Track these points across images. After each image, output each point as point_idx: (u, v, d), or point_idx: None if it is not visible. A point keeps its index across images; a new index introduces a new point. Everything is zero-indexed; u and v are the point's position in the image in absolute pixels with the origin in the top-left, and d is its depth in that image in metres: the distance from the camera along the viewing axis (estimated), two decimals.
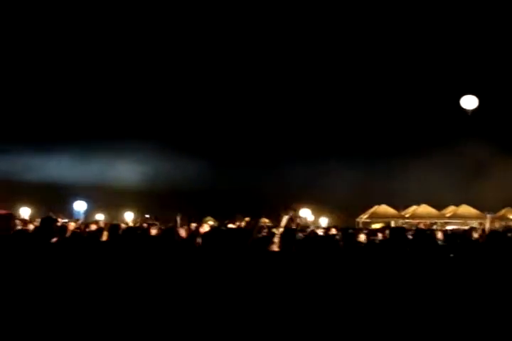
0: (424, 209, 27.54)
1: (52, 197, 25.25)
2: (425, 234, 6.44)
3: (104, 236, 7.65)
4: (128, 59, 27.63)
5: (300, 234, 8.77)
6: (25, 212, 21.02)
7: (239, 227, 12.76)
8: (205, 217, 24.37)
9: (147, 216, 27.87)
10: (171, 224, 12.59)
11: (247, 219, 22.70)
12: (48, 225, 5.83)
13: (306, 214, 24.60)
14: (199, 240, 6.53)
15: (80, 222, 13.37)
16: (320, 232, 10.89)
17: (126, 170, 26.42)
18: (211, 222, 19.58)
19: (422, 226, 19.46)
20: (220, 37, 27.45)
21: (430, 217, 26.36)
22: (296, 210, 19.18)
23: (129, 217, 26.08)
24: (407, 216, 27.70)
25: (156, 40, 27.35)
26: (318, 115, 28.77)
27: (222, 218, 20.89)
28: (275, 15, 27.06)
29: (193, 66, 27.90)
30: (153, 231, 9.08)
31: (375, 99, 28.76)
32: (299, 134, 29.24)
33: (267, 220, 24.02)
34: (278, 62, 28.12)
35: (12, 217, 8.73)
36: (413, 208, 28.52)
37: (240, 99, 28.82)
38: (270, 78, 28.31)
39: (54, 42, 26.43)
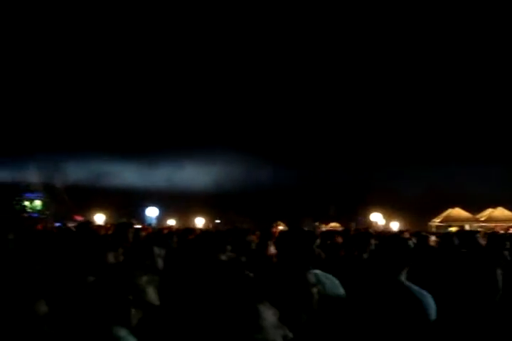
0: (501, 212, 26.38)
1: (125, 204, 25.97)
2: (501, 238, 6.11)
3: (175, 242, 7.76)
4: (197, 66, 28.03)
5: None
6: (99, 218, 21.71)
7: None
8: (276, 221, 24.35)
9: (218, 221, 28.22)
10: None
11: (317, 224, 22.57)
12: (123, 230, 5.85)
13: (376, 218, 24.21)
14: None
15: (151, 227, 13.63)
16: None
17: (198, 175, 26.79)
18: (281, 227, 19.51)
19: (498, 230, 18.69)
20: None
21: (507, 220, 25.22)
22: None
23: (199, 222, 26.47)
24: (482, 219, 26.64)
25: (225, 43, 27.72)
26: (394, 120, 28.18)
27: (292, 222, 20.73)
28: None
29: (256, 71, 28.00)
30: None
31: (453, 103, 27.95)
32: (374, 138, 28.75)
33: (337, 225, 23.85)
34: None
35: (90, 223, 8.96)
36: (489, 211, 27.40)
37: (318, 101, 28.63)
38: (361, 82, 28.00)
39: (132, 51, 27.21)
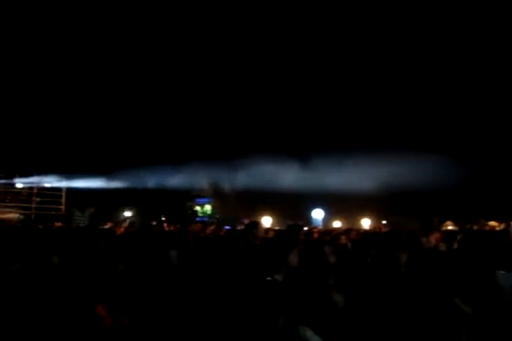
0: None
1: (292, 206, 26.08)
2: None
3: (343, 240, 7.42)
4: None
5: None
6: (266, 220, 21.97)
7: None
8: (445, 221, 22.98)
9: (384, 222, 27.28)
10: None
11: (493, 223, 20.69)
12: (294, 232, 5.86)
13: None
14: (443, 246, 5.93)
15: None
16: None
17: (363, 176, 26.10)
18: (450, 227, 18.28)
19: None
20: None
21: None
22: None
23: (365, 223, 25.80)
24: None
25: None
26: None
27: (463, 222, 19.32)
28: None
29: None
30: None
31: None
32: None
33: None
34: None
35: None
36: None
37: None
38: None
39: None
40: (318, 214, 23.87)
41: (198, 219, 32.63)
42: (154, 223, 11.87)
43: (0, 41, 23.18)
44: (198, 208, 36.97)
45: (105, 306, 3.54)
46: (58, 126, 26.96)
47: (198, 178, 31.05)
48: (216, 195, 34.60)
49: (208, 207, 36.77)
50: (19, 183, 30.85)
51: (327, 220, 24.58)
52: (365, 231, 11.29)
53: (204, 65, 27.14)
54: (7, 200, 30.59)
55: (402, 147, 24.37)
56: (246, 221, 16.04)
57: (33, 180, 30.75)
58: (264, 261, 4.50)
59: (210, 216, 35.69)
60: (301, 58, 27.30)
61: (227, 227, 16.21)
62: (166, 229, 11.86)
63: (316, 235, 8.64)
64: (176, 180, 29.10)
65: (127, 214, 31.03)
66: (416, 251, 5.19)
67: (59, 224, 14.27)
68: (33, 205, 31.40)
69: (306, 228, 13.71)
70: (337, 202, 25.77)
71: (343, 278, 4.28)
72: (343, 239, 7.15)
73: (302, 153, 26.71)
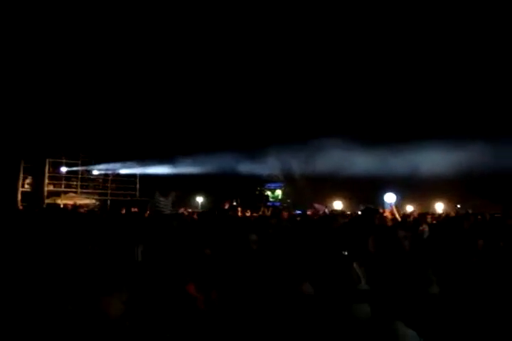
0: None
1: (363, 190, 25.83)
2: None
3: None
4: None
5: None
6: (338, 205, 21.90)
7: None
8: None
9: (458, 206, 26.60)
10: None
11: None
12: (369, 216, 5.90)
13: None
14: None
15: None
16: None
17: (438, 160, 25.43)
18: None
19: None
20: None
21: None
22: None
23: (439, 207, 25.22)
24: None
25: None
26: None
27: None
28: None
29: None
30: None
31: None
32: None
33: None
34: None
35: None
36: None
37: None
38: None
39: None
40: (390, 198, 23.45)
41: (269, 203, 32.91)
42: (227, 207, 12.06)
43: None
44: (268, 193, 37.25)
45: (194, 286, 3.71)
46: (132, 113, 27.73)
47: (268, 163, 31.25)
48: (287, 180, 34.77)
49: (278, 192, 36.98)
50: (95, 170, 32.11)
51: (399, 204, 24.12)
52: (444, 216, 11.11)
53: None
54: (84, 186, 31.96)
55: (479, 128, 23.63)
56: (316, 205, 16.10)
57: (108, 167, 31.89)
58: (343, 247, 4.57)
59: (281, 200, 35.90)
60: None
61: (298, 212, 16.33)
62: (240, 214, 12.10)
63: (389, 220, 8.63)
64: (247, 165, 29.40)
65: (199, 199, 31.67)
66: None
67: (135, 209, 14.89)
68: (109, 191, 32.68)
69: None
70: (410, 186, 25.27)
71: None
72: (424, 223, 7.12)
73: (376, 138, 26.30)
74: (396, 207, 11.77)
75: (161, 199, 8.24)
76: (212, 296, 3.75)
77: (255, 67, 26.97)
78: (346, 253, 4.51)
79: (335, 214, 11.46)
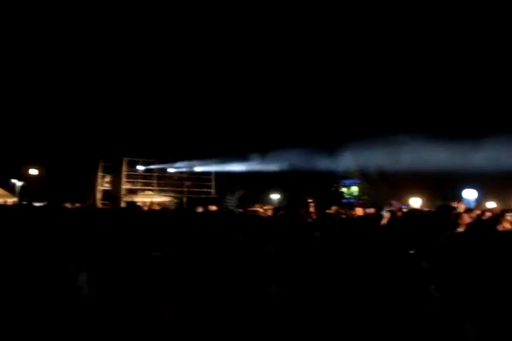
0: None
1: (442, 186, 25.06)
2: None
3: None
4: None
5: None
6: (415, 201, 21.34)
7: None
8: None
9: None
10: None
11: None
12: (444, 213, 5.78)
13: None
14: None
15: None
16: None
17: None
18: None
19: None
20: None
21: None
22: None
23: None
24: None
25: None
26: None
27: None
28: None
29: None
30: None
31: None
32: None
33: None
34: None
35: None
36: None
37: None
38: None
39: None
40: (470, 195, 22.60)
41: (344, 200, 32.58)
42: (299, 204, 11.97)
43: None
44: (344, 189, 36.88)
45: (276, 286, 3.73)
46: (207, 112, 28.24)
47: (344, 159, 30.93)
48: (362, 176, 34.25)
49: (354, 188, 36.54)
50: (171, 168, 32.83)
51: (480, 201, 23.17)
52: None
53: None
54: (161, 184, 32.80)
55: None
56: (394, 202, 15.77)
57: (184, 165, 32.53)
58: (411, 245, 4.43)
59: (356, 197, 35.45)
60: None
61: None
62: (312, 211, 11.97)
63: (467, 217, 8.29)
64: (322, 161, 29.22)
65: (274, 196, 31.75)
66: None
67: (213, 207, 14.91)
68: (185, 189, 33.37)
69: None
70: (491, 182, 24.23)
71: None
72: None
73: (453, 130, 25.47)
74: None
75: (229, 197, 8.35)
76: (273, 290, 3.75)
77: (331, 64, 26.91)
78: (413, 251, 4.38)
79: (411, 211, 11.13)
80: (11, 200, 21.91)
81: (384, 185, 29.50)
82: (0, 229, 5.38)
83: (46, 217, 6.44)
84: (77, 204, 17.74)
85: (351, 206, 16.02)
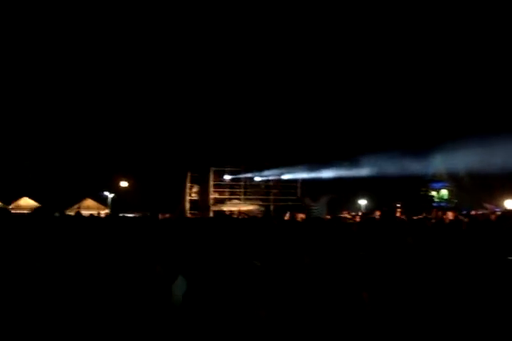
0: None
1: None
2: None
3: None
4: None
5: None
6: (510, 204, 20.51)
7: None
8: None
9: None
10: None
11: None
12: None
13: None
14: None
15: None
16: None
17: None
18: None
19: None
20: None
21: None
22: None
23: None
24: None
25: None
26: None
27: None
28: None
29: None
30: None
31: None
32: None
33: None
34: None
35: None
36: None
37: None
38: None
39: None
40: None
41: (434, 204, 31.69)
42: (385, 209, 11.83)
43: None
44: (433, 193, 35.84)
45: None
46: (291, 121, 28.52)
47: (432, 162, 30.16)
48: (452, 179, 33.16)
49: (444, 192, 35.42)
50: (257, 177, 33.15)
51: None
52: None
53: None
54: (248, 193, 33.20)
55: None
56: (487, 205, 15.25)
57: (270, 173, 32.73)
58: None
59: (447, 201, 34.39)
60: None
61: (463, 212, 15.51)
62: (399, 215, 11.78)
63: None
64: (409, 164, 28.63)
65: (362, 202, 31.36)
66: None
67: (302, 215, 14.78)
68: (271, 197, 33.49)
69: None
70: None
71: None
72: None
73: None
74: None
75: (312, 204, 8.38)
76: (364, 296, 3.79)
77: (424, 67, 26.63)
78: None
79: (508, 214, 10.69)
80: (104, 212, 23.00)
81: (475, 188, 28.46)
82: (96, 238, 5.70)
83: (145, 228, 6.75)
84: (167, 215, 18.28)
85: (442, 210, 15.59)
